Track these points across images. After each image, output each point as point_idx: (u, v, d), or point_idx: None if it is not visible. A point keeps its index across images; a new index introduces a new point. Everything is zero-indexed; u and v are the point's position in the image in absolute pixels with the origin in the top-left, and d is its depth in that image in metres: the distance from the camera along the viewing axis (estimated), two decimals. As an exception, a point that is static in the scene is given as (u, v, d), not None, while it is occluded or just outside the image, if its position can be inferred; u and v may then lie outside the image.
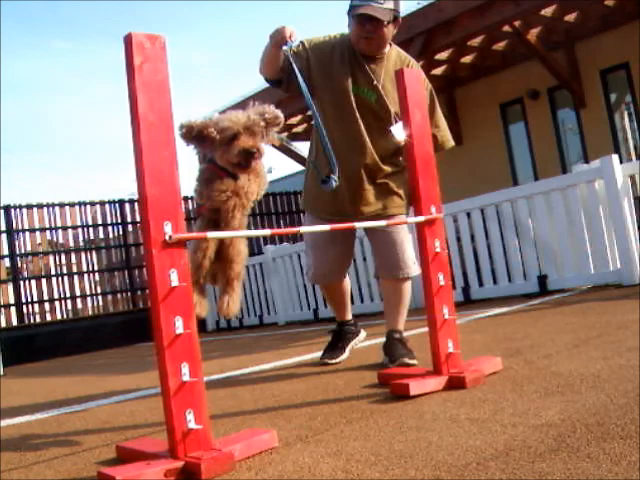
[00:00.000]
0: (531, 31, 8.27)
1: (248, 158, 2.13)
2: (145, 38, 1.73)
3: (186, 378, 1.70)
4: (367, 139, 3.03)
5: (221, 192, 2.20)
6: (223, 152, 2.15)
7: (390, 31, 2.99)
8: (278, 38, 2.86)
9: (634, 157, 8.82)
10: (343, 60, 3.03)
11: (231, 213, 2.22)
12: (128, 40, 1.72)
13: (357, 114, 3.01)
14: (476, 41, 8.47)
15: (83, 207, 10.13)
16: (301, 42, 3.03)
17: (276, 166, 19.32)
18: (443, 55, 8.76)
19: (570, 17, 8.20)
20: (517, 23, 7.86)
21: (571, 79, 8.99)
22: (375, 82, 3.01)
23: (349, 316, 3.48)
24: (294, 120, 10.48)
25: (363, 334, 3.57)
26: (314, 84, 3.00)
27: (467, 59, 9.26)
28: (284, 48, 2.87)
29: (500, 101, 10.04)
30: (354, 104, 3.01)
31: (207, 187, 2.23)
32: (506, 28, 7.93)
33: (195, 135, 2.12)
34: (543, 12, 7.76)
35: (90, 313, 10.02)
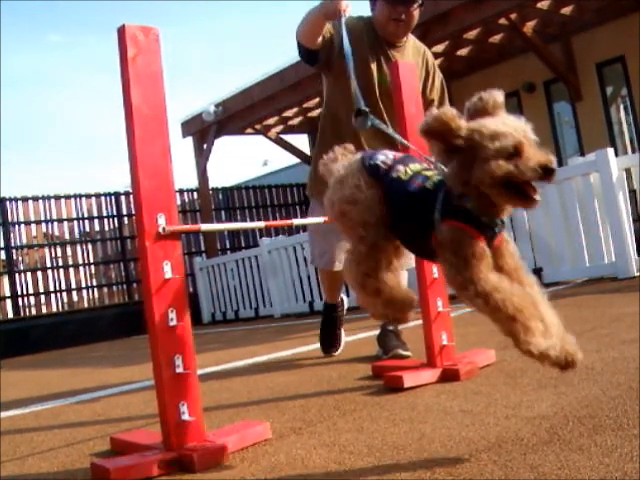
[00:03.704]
0: (527, 24, 8.24)
1: (549, 176, 1.50)
2: (139, 30, 1.73)
3: (179, 370, 1.70)
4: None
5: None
6: (496, 167, 1.45)
7: (417, 16, 2.94)
8: (331, 9, 2.68)
9: (629, 150, 8.83)
10: (371, 45, 2.97)
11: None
12: (122, 32, 1.72)
13: (380, 104, 2.97)
14: (472, 34, 8.44)
15: (79, 199, 10.12)
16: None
17: (271, 159, 19.29)
18: (439, 48, 8.73)
19: (566, 10, 8.18)
20: (513, 16, 7.84)
21: (567, 72, 8.98)
22: None
23: (339, 298, 3.43)
24: (289, 113, 10.44)
25: (345, 300, 3.49)
26: (342, 63, 2.71)
27: (463, 52, 9.23)
28: (341, 20, 2.64)
29: (496, 94, 10.01)
30: (377, 91, 2.97)
31: (475, 269, 1.45)
32: (502, 21, 7.91)
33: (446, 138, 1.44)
34: (539, 5, 7.75)
35: (86, 305, 10.02)
